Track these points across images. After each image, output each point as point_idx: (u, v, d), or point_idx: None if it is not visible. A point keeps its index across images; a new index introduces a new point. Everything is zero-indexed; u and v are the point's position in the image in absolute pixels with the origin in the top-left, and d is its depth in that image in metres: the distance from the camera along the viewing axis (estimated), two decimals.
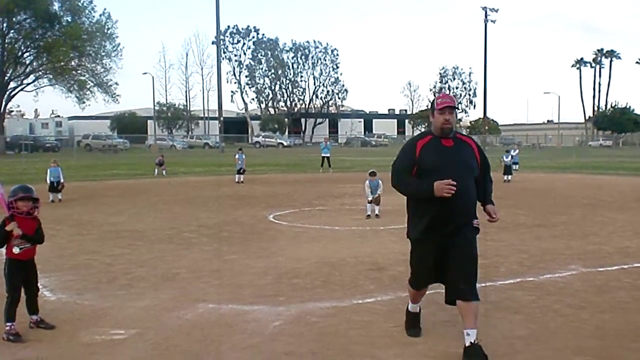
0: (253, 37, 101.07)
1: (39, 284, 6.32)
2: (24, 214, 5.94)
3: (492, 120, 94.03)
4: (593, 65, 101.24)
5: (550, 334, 5.85)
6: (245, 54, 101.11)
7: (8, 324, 5.85)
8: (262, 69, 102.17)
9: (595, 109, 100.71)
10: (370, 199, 14.22)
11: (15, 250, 5.91)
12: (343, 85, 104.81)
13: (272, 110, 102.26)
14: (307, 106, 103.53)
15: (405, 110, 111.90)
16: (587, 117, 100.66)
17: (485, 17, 67.92)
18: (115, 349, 5.57)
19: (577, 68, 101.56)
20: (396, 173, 5.38)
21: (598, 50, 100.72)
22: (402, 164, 5.35)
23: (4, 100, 61.15)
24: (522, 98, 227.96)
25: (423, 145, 5.28)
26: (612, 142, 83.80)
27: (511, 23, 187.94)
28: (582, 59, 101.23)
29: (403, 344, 5.60)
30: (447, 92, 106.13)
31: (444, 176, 5.03)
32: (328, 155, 32.86)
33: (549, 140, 78.45)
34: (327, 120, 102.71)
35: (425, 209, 5.22)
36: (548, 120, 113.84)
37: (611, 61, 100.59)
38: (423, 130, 75.36)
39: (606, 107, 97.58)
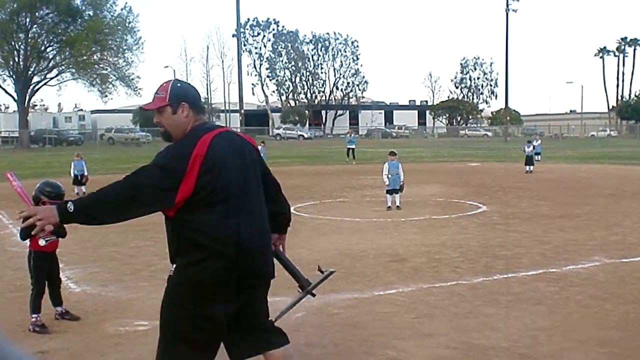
0: (273, 29, 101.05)
1: (61, 276, 6.43)
2: None
3: (514, 110, 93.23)
4: (616, 54, 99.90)
5: (573, 326, 5.82)
6: (265, 46, 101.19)
7: (34, 315, 5.95)
8: (282, 61, 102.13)
9: (619, 98, 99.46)
10: (387, 183, 14.10)
11: (42, 242, 6.01)
12: (363, 77, 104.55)
13: (292, 103, 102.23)
14: (327, 98, 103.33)
15: (426, 101, 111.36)
16: (610, 107, 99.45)
17: (507, 6, 67.22)
18: (139, 340, 5.64)
19: (600, 57, 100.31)
20: None
21: (622, 38, 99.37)
22: None
23: (27, 94, 61.88)
24: (545, 88, 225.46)
25: None
26: (617, 131, 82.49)
27: (533, 12, 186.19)
28: (605, 47, 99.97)
29: (424, 335, 5.61)
30: (468, 82, 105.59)
31: None
32: (353, 147, 33.53)
33: (571, 131, 77.66)
34: (348, 112, 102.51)
35: None
36: (571, 110, 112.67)
37: (635, 50, 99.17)
38: (444, 121, 73.39)
39: (630, 97, 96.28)
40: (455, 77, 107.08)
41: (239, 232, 3.49)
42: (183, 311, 3.52)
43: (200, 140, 3.48)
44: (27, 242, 6.14)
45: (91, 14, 62.63)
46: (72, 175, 18.28)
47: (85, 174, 18.31)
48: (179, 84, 3.73)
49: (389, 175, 14.11)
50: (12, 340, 0.94)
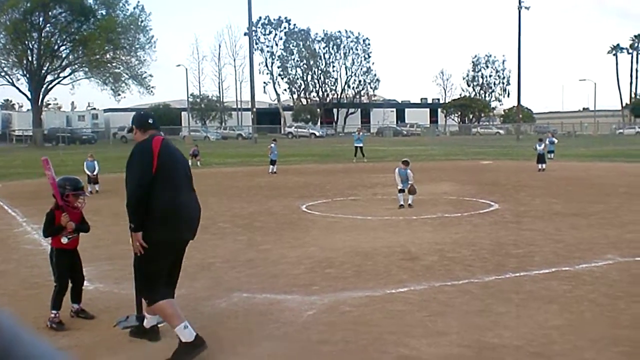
0: (285, 27, 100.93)
1: (83, 272, 6.48)
2: (75, 208, 6.15)
3: (527, 108, 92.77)
4: (630, 51, 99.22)
5: (586, 324, 5.80)
6: (277, 44, 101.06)
7: (54, 311, 6.00)
8: (294, 59, 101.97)
9: (633, 95, 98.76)
10: (400, 187, 14.16)
11: (64, 240, 6.08)
12: (375, 75, 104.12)
13: (304, 101, 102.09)
14: (339, 96, 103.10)
15: (438, 99, 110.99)
16: (624, 104, 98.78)
17: (519, 3, 66.80)
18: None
19: (614, 54, 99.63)
20: None
21: (635, 36, 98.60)
22: None
23: (41, 93, 62.24)
24: (557, 86, 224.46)
25: None
26: None
27: (545, 9, 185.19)
28: (618, 45, 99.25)
29: (436, 334, 5.61)
30: (480, 80, 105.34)
31: None
32: (361, 145, 33.20)
33: (584, 128, 77.19)
34: (359, 110, 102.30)
35: None
36: (584, 108, 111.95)
37: None
38: (456, 119, 74.94)
39: None
40: (467, 75, 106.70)
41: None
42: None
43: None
44: (49, 239, 6.22)
45: (104, 13, 62.97)
46: (87, 173, 18.53)
47: (96, 173, 18.58)
48: (134, 114, 5.87)
49: (401, 181, 14.15)
50: (30, 330, 0.95)
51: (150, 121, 5.62)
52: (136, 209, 5.19)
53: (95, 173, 18.53)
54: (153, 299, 5.26)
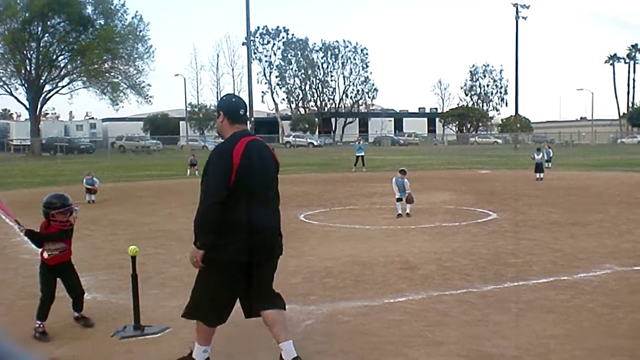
0: (283, 37, 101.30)
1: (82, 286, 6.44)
2: (66, 222, 6.12)
3: (524, 117, 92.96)
4: (627, 61, 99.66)
5: (584, 334, 5.79)
6: (275, 54, 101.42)
7: (38, 321, 6.00)
8: (292, 69, 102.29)
9: (630, 105, 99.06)
10: (398, 196, 14.15)
11: (45, 255, 6.09)
12: (373, 84, 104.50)
13: (302, 110, 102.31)
14: (337, 106, 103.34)
15: (436, 109, 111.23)
16: (621, 114, 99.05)
17: (517, 13, 67.13)
18: (149, 347, 5.65)
19: (611, 64, 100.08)
20: None
21: (632, 45, 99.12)
22: None
23: (39, 103, 62.26)
24: (555, 95, 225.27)
25: None
26: None
27: (543, 19, 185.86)
28: (615, 54, 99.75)
29: (435, 343, 5.59)
30: (478, 89, 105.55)
31: None
32: (362, 154, 33.41)
33: (582, 138, 77.33)
34: (357, 119, 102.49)
35: None
36: (581, 117, 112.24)
37: None
38: (453, 128, 75.09)
39: None
40: (465, 84, 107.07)
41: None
42: None
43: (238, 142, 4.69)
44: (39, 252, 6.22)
45: (102, 23, 63.09)
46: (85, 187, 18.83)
47: (96, 187, 18.88)
48: (224, 97, 5.31)
49: (398, 191, 14.16)
50: (21, 345, 0.95)
51: (242, 112, 4.89)
52: (204, 227, 4.61)
53: (95, 187, 18.85)
54: (194, 318, 4.94)
